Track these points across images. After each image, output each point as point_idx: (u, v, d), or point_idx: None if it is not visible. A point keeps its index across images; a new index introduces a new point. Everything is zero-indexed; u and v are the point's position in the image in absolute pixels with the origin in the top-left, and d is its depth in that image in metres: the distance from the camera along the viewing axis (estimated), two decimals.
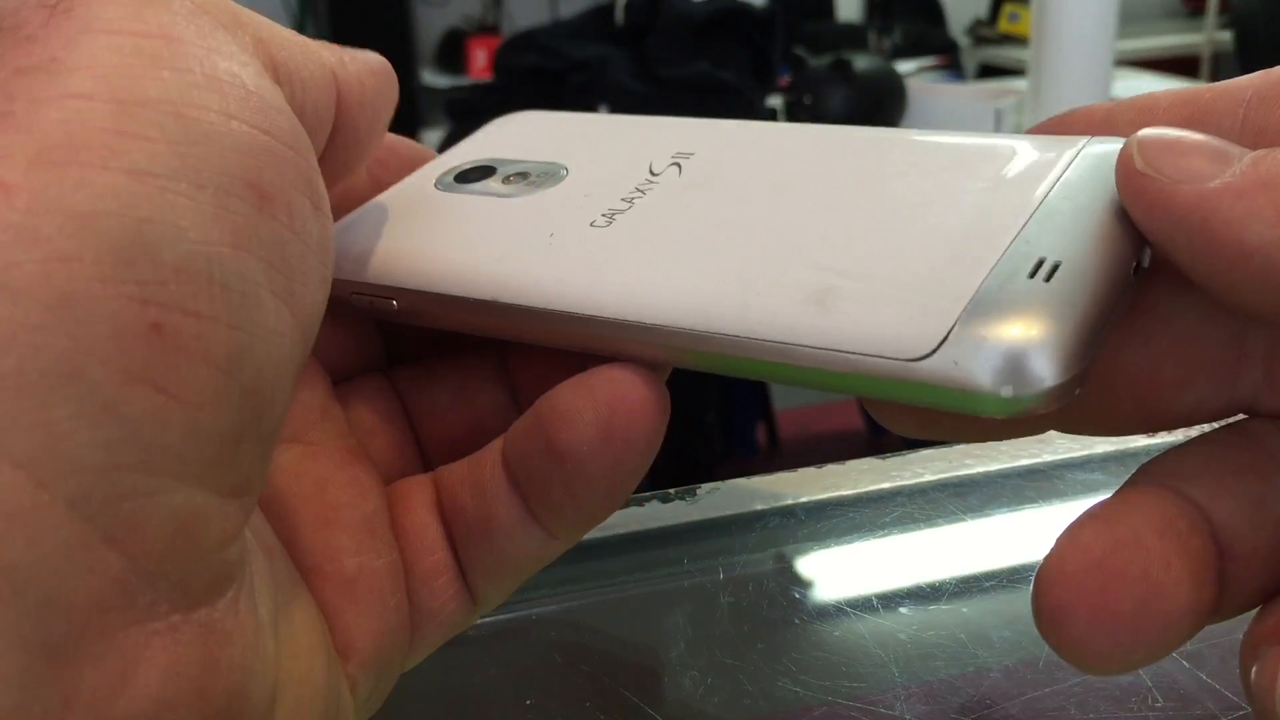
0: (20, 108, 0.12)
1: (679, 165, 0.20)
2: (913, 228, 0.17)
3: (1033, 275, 0.15)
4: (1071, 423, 0.18)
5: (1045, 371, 0.15)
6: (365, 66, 0.18)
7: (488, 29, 3.07)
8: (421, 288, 0.19)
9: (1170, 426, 0.18)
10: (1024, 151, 0.19)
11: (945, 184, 0.18)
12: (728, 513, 0.33)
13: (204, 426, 0.12)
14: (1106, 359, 0.17)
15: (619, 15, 1.81)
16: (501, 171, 0.22)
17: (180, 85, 0.13)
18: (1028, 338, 0.14)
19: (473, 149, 0.23)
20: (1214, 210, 0.14)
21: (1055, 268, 0.16)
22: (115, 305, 0.12)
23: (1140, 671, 0.26)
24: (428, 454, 0.21)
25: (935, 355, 0.15)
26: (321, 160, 0.16)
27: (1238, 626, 0.17)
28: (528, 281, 0.18)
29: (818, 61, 1.72)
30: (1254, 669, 0.15)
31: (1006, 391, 0.14)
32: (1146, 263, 0.17)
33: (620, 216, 0.19)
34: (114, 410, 0.12)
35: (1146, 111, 0.18)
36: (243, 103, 0.14)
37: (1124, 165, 0.16)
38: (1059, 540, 0.16)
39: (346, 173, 0.19)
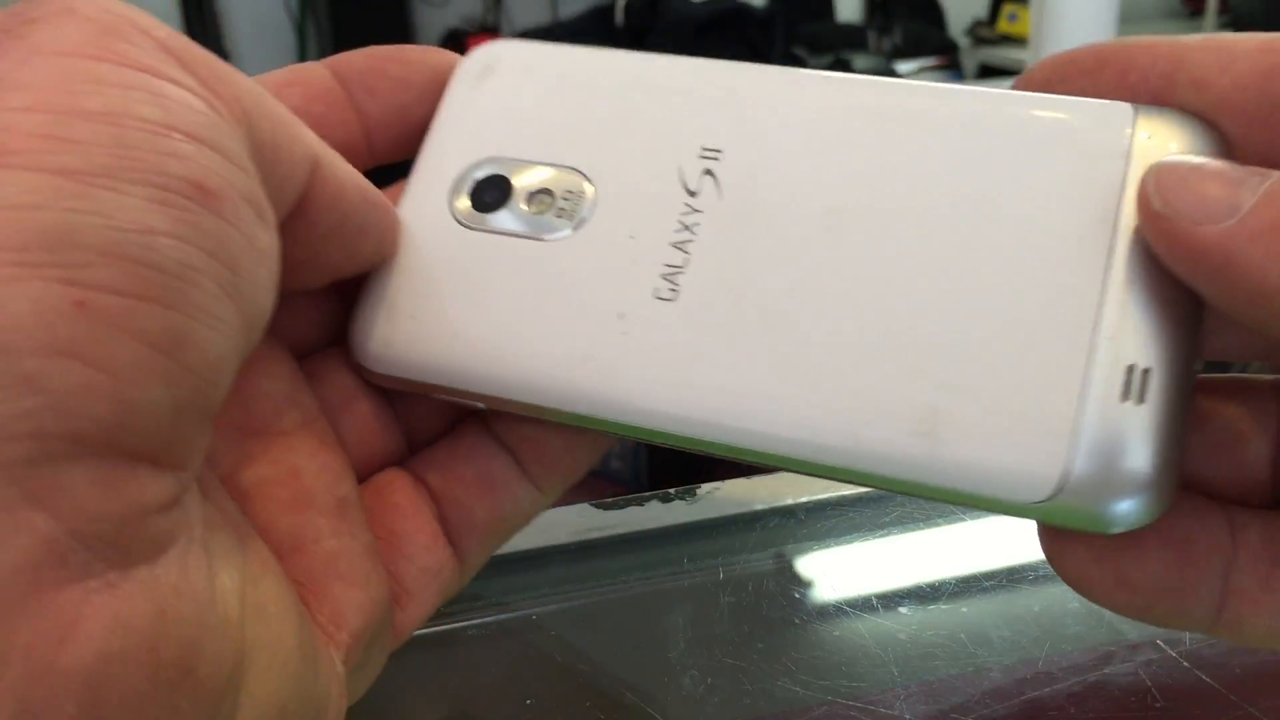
0: None
1: (713, 176, 0.20)
2: (993, 298, 0.18)
3: (1125, 396, 0.16)
4: None
5: (1154, 503, 0.16)
6: (358, 182, 0.18)
7: (488, 29, 3.07)
8: (510, 396, 0.19)
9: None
10: (1071, 159, 0.18)
11: (1012, 225, 0.18)
12: (728, 513, 0.33)
13: (137, 400, 0.13)
14: None
15: (619, 15, 1.80)
16: (518, 186, 0.21)
17: (123, 100, 0.13)
18: (1134, 481, 0.16)
19: (464, 136, 0.22)
20: (1234, 252, 0.15)
21: (1145, 377, 0.16)
22: (38, 285, 0.12)
23: (1139, 671, 0.26)
24: (405, 426, 0.22)
25: (1052, 501, 0.16)
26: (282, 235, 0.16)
27: None
28: (622, 397, 0.19)
29: (818, 61, 1.72)
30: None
31: (1118, 525, 0.16)
32: None
33: (682, 281, 0.19)
34: (35, 382, 0.12)
35: (1223, 54, 0.18)
36: (186, 118, 0.14)
37: (1143, 206, 0.17)
38: None
39: (293, 275, 0.17)
